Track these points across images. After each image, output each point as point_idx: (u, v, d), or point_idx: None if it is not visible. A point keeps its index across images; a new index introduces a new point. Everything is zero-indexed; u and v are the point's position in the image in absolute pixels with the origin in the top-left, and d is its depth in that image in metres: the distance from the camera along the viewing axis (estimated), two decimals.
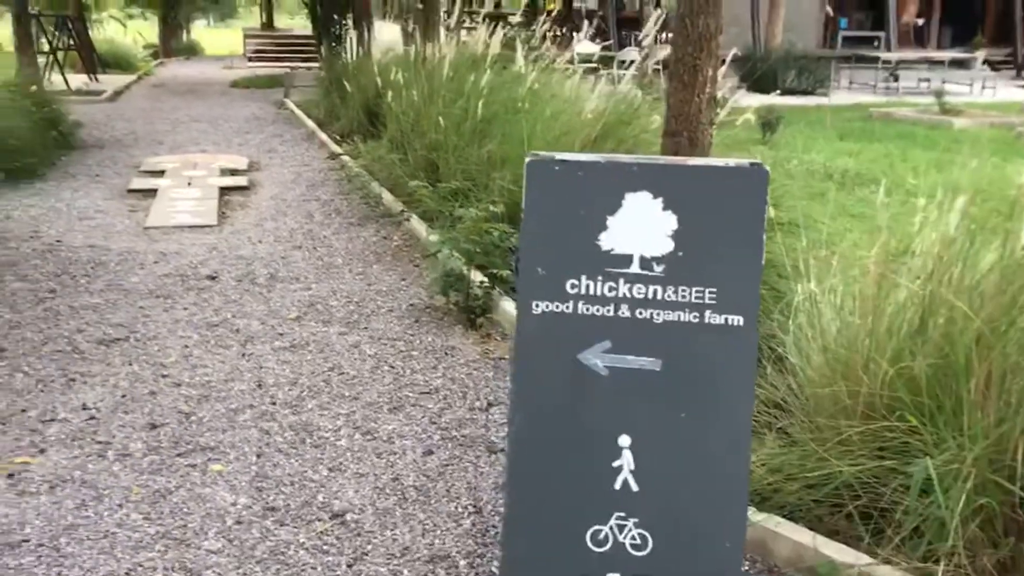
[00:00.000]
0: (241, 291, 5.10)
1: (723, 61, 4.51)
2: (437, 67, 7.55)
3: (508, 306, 4.56)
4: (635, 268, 1.97)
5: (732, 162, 1.96)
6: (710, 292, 1.95)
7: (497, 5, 28.99)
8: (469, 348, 4.31)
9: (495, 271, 4.75)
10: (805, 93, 17.99)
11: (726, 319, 1.95)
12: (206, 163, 8.94)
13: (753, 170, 1.94)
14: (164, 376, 3.93)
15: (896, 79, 18.85)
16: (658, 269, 1.97)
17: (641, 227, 1.97)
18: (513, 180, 5.51)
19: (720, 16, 3.98)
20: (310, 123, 11.92)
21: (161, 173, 8.41)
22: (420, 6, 9.07)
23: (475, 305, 4.64)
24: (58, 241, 6.02)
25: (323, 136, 10.79)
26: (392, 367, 4.07)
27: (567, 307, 1.99)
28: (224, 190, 7.75)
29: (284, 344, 4.32)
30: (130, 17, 36.85)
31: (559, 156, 2.02)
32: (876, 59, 19.69)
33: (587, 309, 1.99)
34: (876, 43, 24.32)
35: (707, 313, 1.95)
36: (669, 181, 1.97)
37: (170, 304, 4.85)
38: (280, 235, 6.35)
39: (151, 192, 7.59)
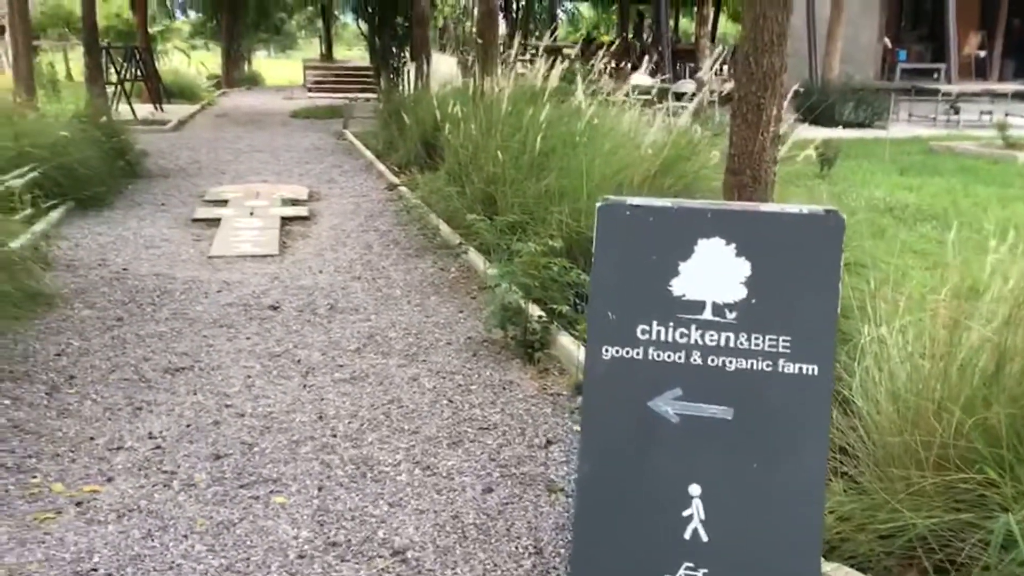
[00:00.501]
0: (302, 321, 5.16)
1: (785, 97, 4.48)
2: (496, 101, 7.61)
3: (566, 341, 4.55)
4: (707, 315, 1.96)
5: (807, 209, 1.95)
6: (784, 340, 1.93)
7: (554, 39, 29.26)
8: (527, 383, 4.31)
9: (554, 306, 4.75)
10: (863, 126, 17.81)
11: (800, 368, 1.92)
12: (268, 193, 9.10)
13: (829, 217, 1.92)
14: (228, 406, 3.99)
15: (957, 112, 18.57)
16: (731, 316, 1.95)
17: (714, 273, 1.95)
18: (571, 214, 5.53)
19: (784, 54, 3.96)
20: (368, 154, 12.09)
21: (224, 203, 8.59)
22: (479, 41, 9.18)
23: (533, 340, 4.64)
24: (125, 269, 6.17)
25: (381, 167, 10.94)
26: (451, 401, 4.08)
27: (637, 353, 1.99)
28: (285, 220, 7.89)
29: (344, 376, 4.36)
30: (194, 48, 37.94)
31: (630, 201, 2.02)
32: (936, 91, 19.42)
33: (658, 355, 1.98)
34: (936, 75, 23.99)
35: (781, 362, 1.93)
36: (742, 228, 1.95)
37: (233, 334, 4.93)
38: (340, 265, 6.43)
39: (215, 221, 7.75)
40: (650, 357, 1.98)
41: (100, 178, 8.44)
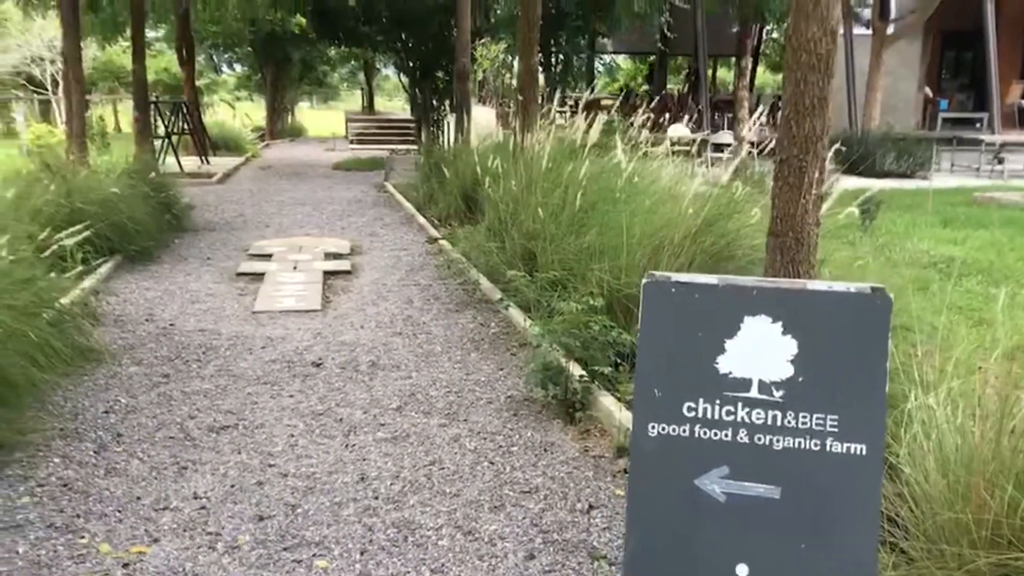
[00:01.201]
0: (344, 379, 5.21)
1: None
2: (536, 157, 7.70)
3: (607, 402, 4.54)
4: (754, 393, 1.95)
5: (854, 287, 1.95)
6: (832, 419, 1.92)
7: (592, 91, 29.59)
8: (568, 445, 4.29)
9: (595, 367, 4.74)
10: (904, 176, 17.70)
11: (848, 448, 1.90)
12: (310, 247, 9.24)
13: (875, 296, 1.92)
14: (271, 466, 4.02)
15: (1001, 162, 18.36)
16: (778, 394, 1.95)
17: (760, 351, 1.95)
18: (612, 272, 5.54)
19: (827, 117, 3.97)
20: (409, 206, 12.25)
21: (268, 257, 8.73)
22: (519, 97, 9.31)
23: (574, 400, 4.63)
24: (171, 324, 6.28)
25: (422, 220, 11.07)
26: (492, 463, 4.08)
27: (684, 430, 1.98)
28: (328, 274, 7.99)
29: (386, 435, 4.38)
30: (238, 99, 38.88)
31: (676, 278, 2.03)
32: (979, 141, 19.27)
33: (704, 433, 1.97)
34: (978, 125, 23.81)
35: (829, 441, 1.91)
36: (788, 305, 1.96)
37: (277, 391, 4.99)
38: (381, 321, 6.49)
39: (259, 276, 7.87)
40: (696, 435, 1.97)
41: (148, 233, 8.64)
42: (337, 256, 8.84)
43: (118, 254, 8.02)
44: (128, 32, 16.79)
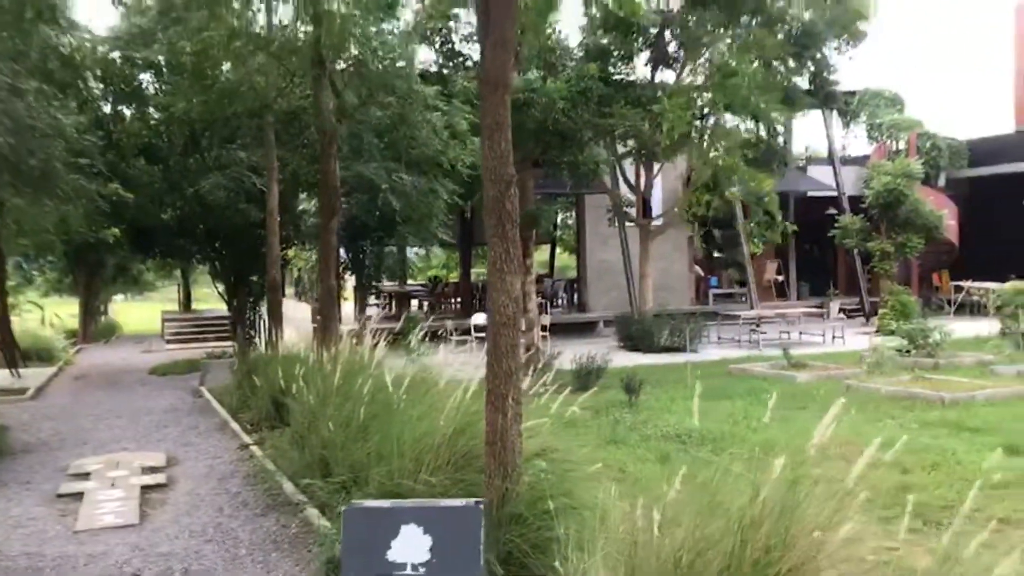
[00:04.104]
0: None
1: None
2: (330, 374, 9.02)
3: None
4: (408, 571, 3.28)
5: (464, 502, 3.35)
6: None
7: (403, 282, 31.58)
8: None
9: None
10: (678, 350, 19.90)
11: None
12: (128, 462, 10.01)
13: (476, 506, 3.33)
14: None
15: (759, 332, 21.07)
16: (423, 571, 3.29)
17: (411, 545, 3.31)
18: (388, 475, 6.82)
19: (519, 358, 5.55)
20: (223, 412, 13.14)
21: (87, 475, 9.44)
22: (319, 317, 10.68)
23: None
24: None
25: (235, 426, 12.00)
26: None
27: None
28: (145, 488, 8.82)
29: None
30: (46, 295, 38.18)
31: (364, 504, 3.38)
32: (738, 316, 22.10)
33: None
34: (743, 298, 27.10)
35: None
36: (426, 516, 3.33)
37: None
38: (194, 530, 7.42)
39: (79, 495, 8.61)
40: None
41: None
42: (154, 470, 9.65)
43: None
44: None
